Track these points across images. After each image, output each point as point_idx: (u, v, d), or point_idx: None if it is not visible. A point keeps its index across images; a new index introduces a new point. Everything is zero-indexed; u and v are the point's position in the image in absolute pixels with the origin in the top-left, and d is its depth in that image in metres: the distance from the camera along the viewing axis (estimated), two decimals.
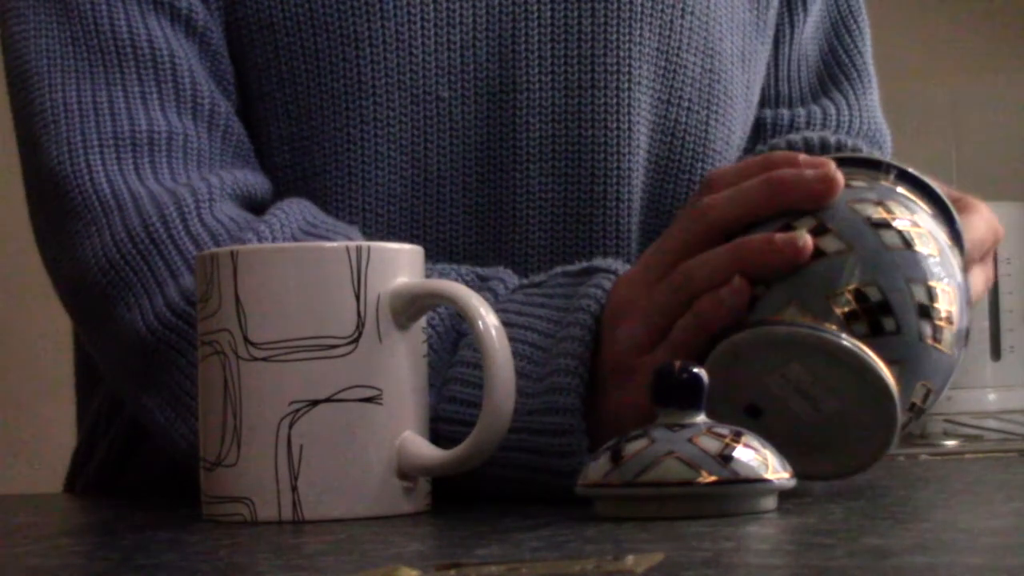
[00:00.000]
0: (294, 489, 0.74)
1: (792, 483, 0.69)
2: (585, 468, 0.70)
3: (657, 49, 1.02)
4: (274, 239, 0.89)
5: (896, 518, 0.67)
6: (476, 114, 0.98)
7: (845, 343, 0.73)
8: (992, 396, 2.30)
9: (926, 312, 0.75)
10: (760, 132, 1.12)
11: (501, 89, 0.99)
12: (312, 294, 0.75)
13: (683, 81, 1.03)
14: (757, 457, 0.68)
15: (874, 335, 0.74)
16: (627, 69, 1.00)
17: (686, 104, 1.03)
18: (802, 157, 0.80)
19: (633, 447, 0.68)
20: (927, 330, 0.75)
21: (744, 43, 1.08)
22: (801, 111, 1.13)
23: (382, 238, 0.96)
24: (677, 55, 1.02)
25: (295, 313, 0.74)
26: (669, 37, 1.02)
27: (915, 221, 0.77)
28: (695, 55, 1.03)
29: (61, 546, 0.69)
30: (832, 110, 1.12)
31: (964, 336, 0.78)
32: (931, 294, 0.75)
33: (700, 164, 1.04)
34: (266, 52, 0.98)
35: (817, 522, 0.64)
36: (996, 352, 2.30)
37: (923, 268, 0.75)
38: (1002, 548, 0.55)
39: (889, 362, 0.74)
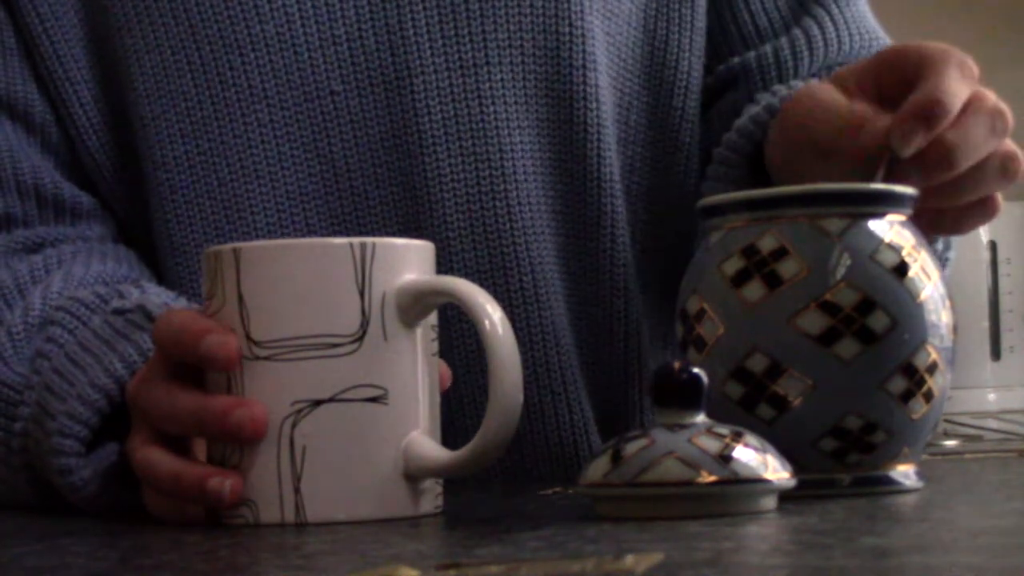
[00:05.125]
0: (297, 491, 0.73)
1: (792, 483, 0.69)
2: (585, 468, 0.70)
3: (556, 15, 1.00)
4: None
5: (896, 518, 0.67)
6: (375, 104, 0.98)
7: None
8: (992, 396, 2.30)
9: None
10: (748, 77, 1.08)
11: (396, 76, 0.98)
12: (315, 291, 0.73)
13: (593, 45, 1.01)
14: (757, 457, 0.68)
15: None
16: (519, 43, 0.99)
17: (601, 68, 1.02)
18: None
19: (633, 447, 0.68)
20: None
21: None
22: (783, 40, 1.08)
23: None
24: (582, 19, 1.01)
25: (298, 311, 0.73)
26: (569, 3, 1.00)
27: None
28: (599, 18, 1.02)
29: (61, 546, 0.69)
30: (815, 31, 1.07)
31: None
32: None
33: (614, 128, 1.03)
34: (156, 74, 0.98)
35: (817, 522, 0.64)
36: (996, 352, 2.30)
37: None
38: (1002, 548, 0.55)
39: None
